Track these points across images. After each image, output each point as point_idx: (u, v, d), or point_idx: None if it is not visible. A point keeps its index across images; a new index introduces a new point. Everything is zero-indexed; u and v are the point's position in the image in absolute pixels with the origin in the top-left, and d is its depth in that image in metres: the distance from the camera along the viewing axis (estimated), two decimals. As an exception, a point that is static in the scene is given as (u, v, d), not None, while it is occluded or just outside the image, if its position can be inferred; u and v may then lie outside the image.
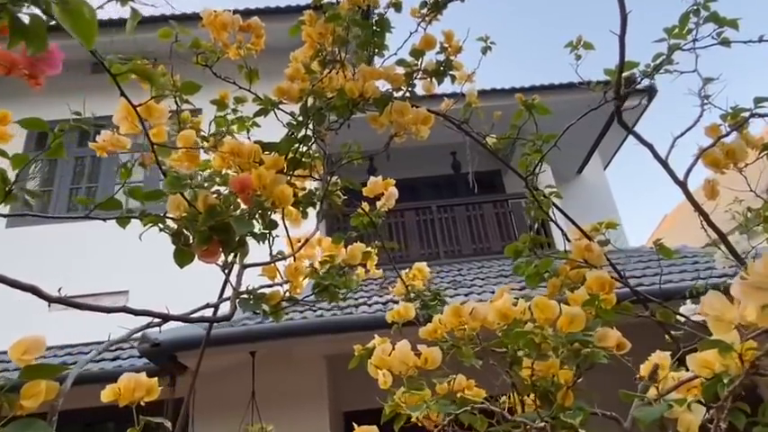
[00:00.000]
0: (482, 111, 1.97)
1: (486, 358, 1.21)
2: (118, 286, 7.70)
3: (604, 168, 11.84)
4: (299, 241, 1.62)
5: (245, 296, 1.20)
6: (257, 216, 1.17)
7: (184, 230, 1.06)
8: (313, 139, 1.56)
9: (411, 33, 1.76)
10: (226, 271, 1.26)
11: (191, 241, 1.06)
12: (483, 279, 7.36)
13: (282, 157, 1.37)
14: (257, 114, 1.59)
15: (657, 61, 1.59)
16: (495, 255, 8.87)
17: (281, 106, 1.59)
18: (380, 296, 6.80)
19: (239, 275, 1.29)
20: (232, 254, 1.12)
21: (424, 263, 2.27)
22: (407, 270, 2.23)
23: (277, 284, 1.42)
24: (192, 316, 1.18)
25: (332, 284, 1.42)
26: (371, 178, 1.83)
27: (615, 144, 11.32)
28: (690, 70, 1.64)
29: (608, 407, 1.12)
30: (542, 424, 0.89)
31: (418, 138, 1.44)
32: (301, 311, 6.88)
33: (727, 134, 1.51)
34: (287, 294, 1.41)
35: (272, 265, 1.42)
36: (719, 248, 3.06)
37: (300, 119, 1.50)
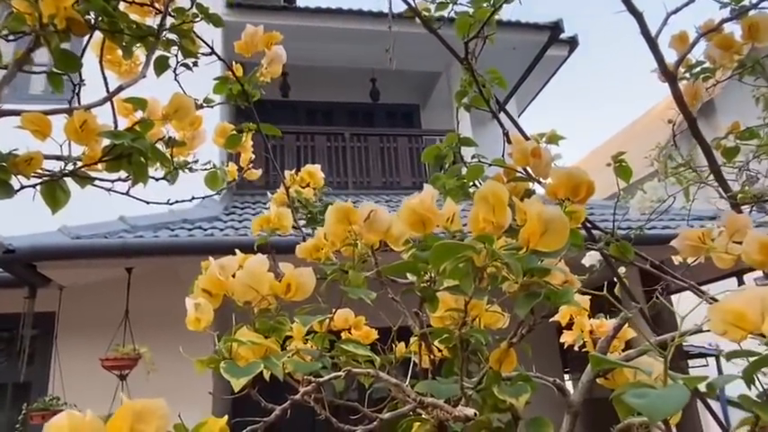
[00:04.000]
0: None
1: (383, 291, 0.81)
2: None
3: (518, 116, 11.89)
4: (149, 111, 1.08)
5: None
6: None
7: None
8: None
9: None
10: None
11: None
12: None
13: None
14: None
15: None
16: (404, 189, 8.81)
17: None
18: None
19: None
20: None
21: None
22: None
23: (76, 160, 0.88)
24: None
25: (135, 148, 0.88)
26: (248, 27, 1.27)
27: (532, 92, 11.35)
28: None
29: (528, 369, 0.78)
30: (468, 411, 0.51)
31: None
32: (190, 229, 6.27)
33: (729, 19, 1.18)
34: (71, 166, 0.87)
35: (41, 114, 0.84)
36: (640, 190, 2.91)
37: None
